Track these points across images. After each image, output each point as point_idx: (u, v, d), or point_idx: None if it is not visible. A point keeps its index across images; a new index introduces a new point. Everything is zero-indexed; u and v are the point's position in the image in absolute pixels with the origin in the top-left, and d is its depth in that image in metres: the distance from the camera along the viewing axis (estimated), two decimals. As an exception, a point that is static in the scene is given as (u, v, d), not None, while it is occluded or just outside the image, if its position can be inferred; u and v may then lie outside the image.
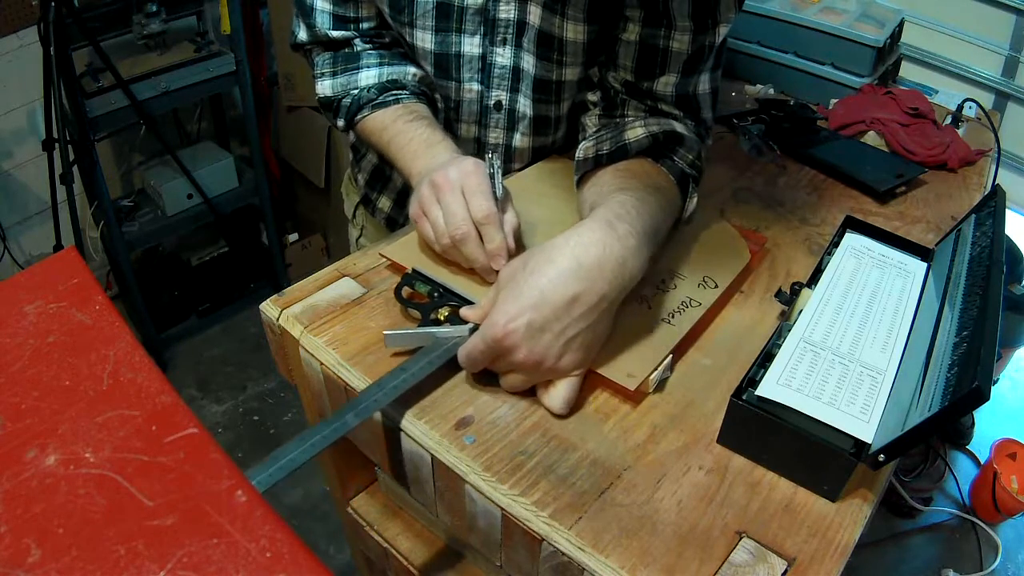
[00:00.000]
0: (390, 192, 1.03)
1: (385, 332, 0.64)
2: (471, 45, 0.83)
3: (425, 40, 0.84)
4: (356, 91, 0.86)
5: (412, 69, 0.88)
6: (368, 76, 0.86)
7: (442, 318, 0.66)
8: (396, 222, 1.04)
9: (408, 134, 0.81)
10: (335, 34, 0.88)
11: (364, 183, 1.07)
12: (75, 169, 1.91)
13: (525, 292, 0.57)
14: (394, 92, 0.85)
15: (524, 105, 0.87)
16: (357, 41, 0.89)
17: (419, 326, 0.66)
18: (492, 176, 0.71)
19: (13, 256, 2.14)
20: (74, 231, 2.02)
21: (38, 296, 0.57)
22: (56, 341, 0.53)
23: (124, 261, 2.11)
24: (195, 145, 2.32)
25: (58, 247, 2.02)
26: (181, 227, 2.22)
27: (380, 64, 0.87)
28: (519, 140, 0.91)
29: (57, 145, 1.84)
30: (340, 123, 0.89)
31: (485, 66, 0.85)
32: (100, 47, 1.76)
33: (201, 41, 2.03)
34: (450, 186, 0.68)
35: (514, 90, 0.87)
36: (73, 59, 1.74)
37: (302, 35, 0.90)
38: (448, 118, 0.92)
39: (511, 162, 0.94)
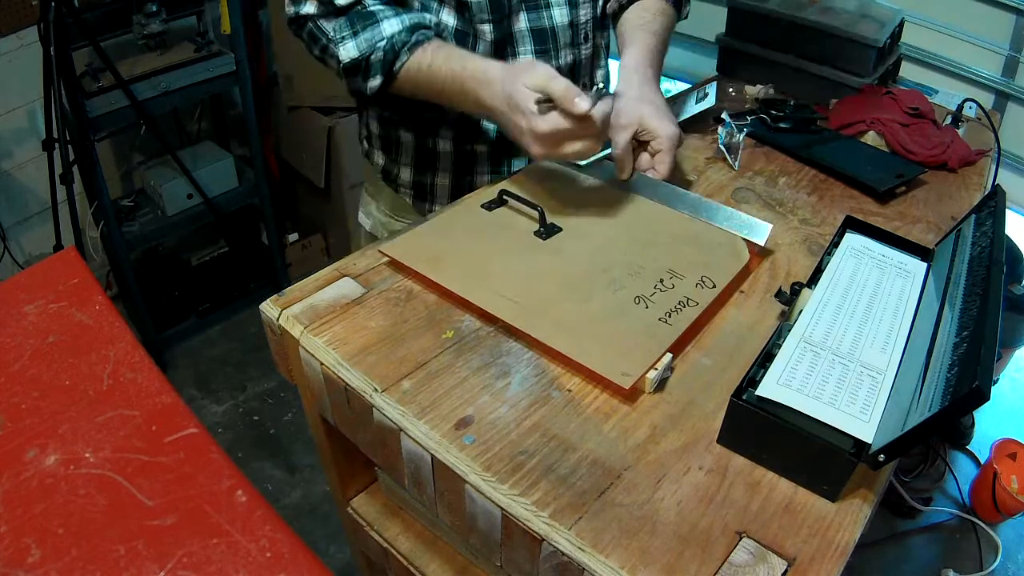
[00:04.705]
0: (406, 160, 1.04)
1: None
2: None
3: None
4: (383, 42, 0.85)
5: (428, 16, 0.89)
6: (391, 25, 0.85)
7: None
8: (423, 185, 1.05)
9: (444, 72, 0.84)
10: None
11: (383, 159, 1.07)
12: (75, 169, 1.91)
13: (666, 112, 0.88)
14: (423, 30, 0.86)
15: None
16: (368, 2, 0.87)
17: None
18: (599, 92, 0.77)
19: (13, 256, 2.13)
20: (74, 231, 2.02)
21: (38, 296, 0.57)
22: (56, 341, 0.53)
23: (124, 261, 2.10)
24: (195, 145, 2.32)
25: (58, 247, 2.02)
26: (181, 227, 2.21)
27: (397, 14, 0.86)
28: None
29: (57, 145, 1.83)
30: (374, 82, 0.87)
31: None
32: (100, 47, 1.76)
33: (201, 41, 2.03)
34: (558, 132, 0.76)
35: None
36: (73, 59, 1.74)
37: (308, 7, 0.87)
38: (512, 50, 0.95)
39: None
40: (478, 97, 0.82)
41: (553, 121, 0.76)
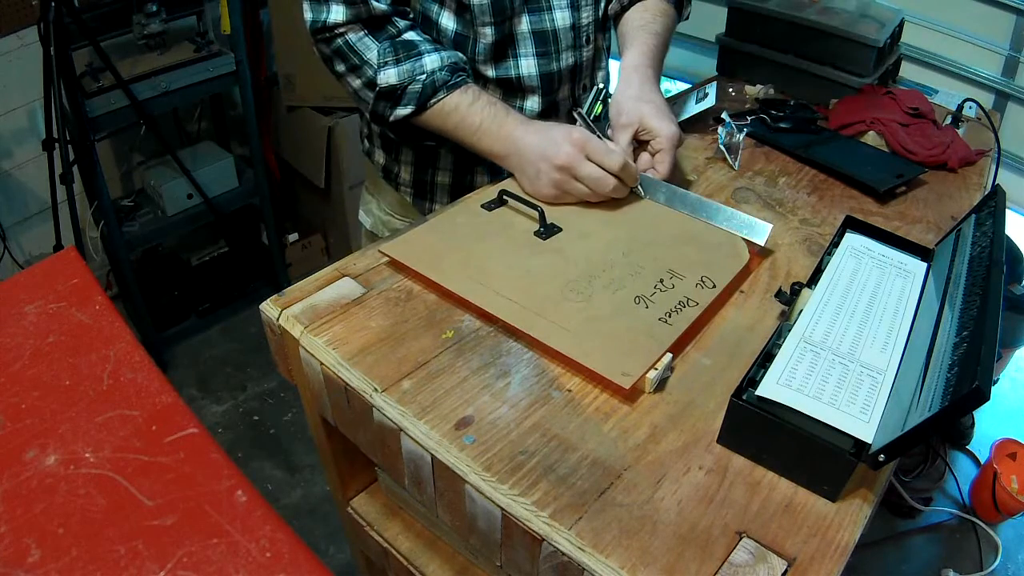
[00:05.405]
0: (406, 162, 1.05)
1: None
2: None
3: None
4: (424, 75, 0.87)
5: (460, 54, 0.91)
6: (432, 60, 0.87)
7: None
8: (423, 183, 1.06)
9: (483, 113, 0.88)
10: (379, 6, 0.86)
11: (384, 159, 1.08)
12: (75, 169, 1.91)
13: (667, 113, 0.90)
14: (460, 73, 0.89)
15: None
16: (397, 20, 0.89)
17: None
18: (589, 126, 0.88)
19: (13, 256, 2.13)
20: (74, 231, 2.02)
21: (38, 296, 0.57)
22: (56, 341, 0.53)
23: (124, 261, 2.10)
24: (195, 145, 2.32)
25: (58, 247, 2.02)
26: (181, 227, 2.21)
27: (436, 50, 0.89)
28: None
29: (57, 145, 1.83)
30: (404, 111, 0.89)
31: None
32: (100, 47, 1.76)
33: (201, 41, 2.03)
34: (578, 160, 0.83)
35: None
36: (73, 59, 1.74)
37: (337, 15, 0.85)
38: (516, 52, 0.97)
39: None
40: (514, 129, 0.87)
41: (590, 168, 0.83)
